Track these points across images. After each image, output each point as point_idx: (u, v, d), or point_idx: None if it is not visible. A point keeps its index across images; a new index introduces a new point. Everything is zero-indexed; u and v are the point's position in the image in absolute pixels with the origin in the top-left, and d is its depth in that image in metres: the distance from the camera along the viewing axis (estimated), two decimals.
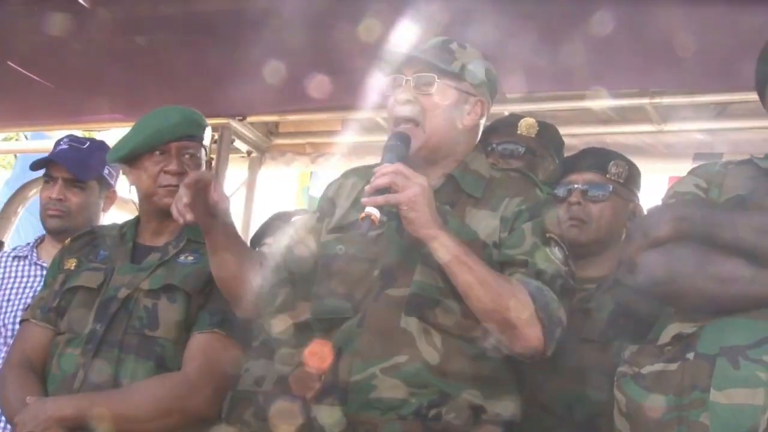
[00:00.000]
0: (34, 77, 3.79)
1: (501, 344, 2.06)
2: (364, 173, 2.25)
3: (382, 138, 2.36)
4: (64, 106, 4.16)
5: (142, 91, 3.70)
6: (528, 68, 3.17)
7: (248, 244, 2.84)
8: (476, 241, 2.11)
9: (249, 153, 4.49)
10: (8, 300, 3.10)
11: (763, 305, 1.84)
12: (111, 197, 3.23)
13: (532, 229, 2.12)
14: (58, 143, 3.19)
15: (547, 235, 2.13)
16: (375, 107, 3.08)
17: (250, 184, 4.53)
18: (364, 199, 2.04)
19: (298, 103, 3.92)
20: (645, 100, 3.62)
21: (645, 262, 1.97)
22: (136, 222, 2.67)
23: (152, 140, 2.55)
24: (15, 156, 10.62)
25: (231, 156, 4.35)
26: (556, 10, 2.87)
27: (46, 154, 3.23)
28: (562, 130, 3.01)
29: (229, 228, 2.24)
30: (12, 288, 3.13)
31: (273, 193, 5.02)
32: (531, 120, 2.85)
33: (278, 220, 3.06)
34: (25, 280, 3.14)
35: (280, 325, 2.62)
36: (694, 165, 2.42)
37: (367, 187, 2.06)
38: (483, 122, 2.30)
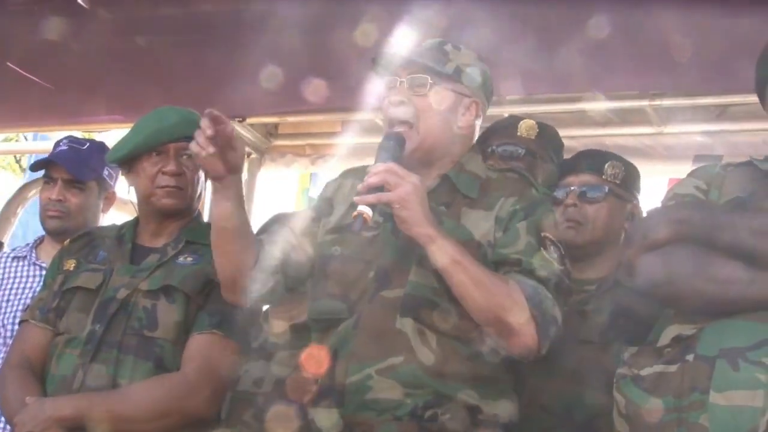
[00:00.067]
0: (34, 78, 3.78)
1: (497, 346, 2.06)
2: (363, 174, 2.25)
3: None
4: (63, 107, 4.16)
5: (142, 93, 3.69)
6: (527, 71, 3.17)
7: None
8: (471, 241, 2.11)
9: (248, 154, 4.48)
10: (8, 300, 3.11)
11: (762, 307, 1.84)
12: (110, 198, 3.23)
13: (526, 229, 2.12)
14: (57, 144, 3.19)
15: (542, 234, 2.13)
16: (375, 109, 3.08)
17: (250, 186, 4.52)
18: (356, 198, 2.05)
19: (297, 104, 3.91)
20: (645, 102, 3.61)
21: (644, 265, 1.97)
22: (135, 223, 2.67)
23: (150, 141, 2.55)
24: (15, 158, 10.65)
25: None
26: (555, 13, 2.87)
27: (46, 155, 3.23)
28: (562, 132, 3.02)
29: (239, 192, 2.23)
30: (11, 288, 3.14)
31: (273, 194, 5.01)
32: (531, 122, 2.85)
33: (278, 222, 3.06)
34: (24, 280, 3.14)
35: (277, 328, 2.63)
36: (694, 167, 2.42)
37: (359, 186, 2.06)
38: (478, 123, 2.30)
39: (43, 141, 5.25)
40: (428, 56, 2.22)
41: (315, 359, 2.13)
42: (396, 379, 2.04)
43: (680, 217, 1.98)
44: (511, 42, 2.79)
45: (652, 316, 2.10)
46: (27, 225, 4.95)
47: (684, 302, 1.93)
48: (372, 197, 2.02)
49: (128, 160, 2.60)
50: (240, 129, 4.32)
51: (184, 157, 2.57)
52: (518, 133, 2.82)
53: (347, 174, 2.38)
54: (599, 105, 3.67)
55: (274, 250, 2.24)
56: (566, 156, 2.92)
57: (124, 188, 2.83)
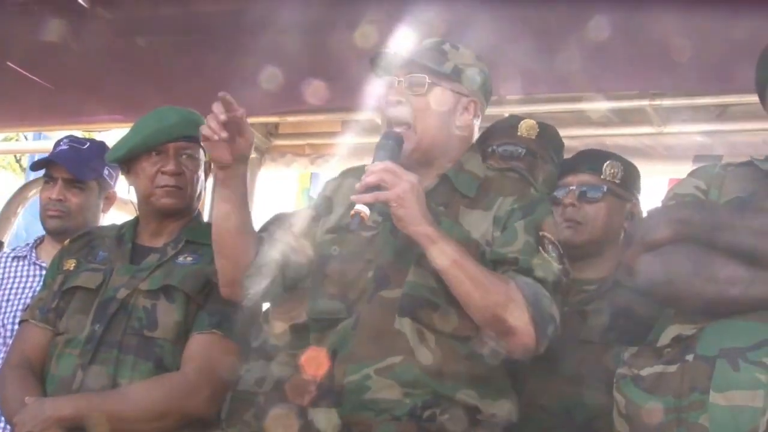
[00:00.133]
0: (34, 78, 3.79)
1: (497, 347, 2.06)
2: (362, 173, 2.25)
3: None
4: (63, 107, 4.16)
5: (142, 92, 3.69)
6: (528, 72, 3.17)
7: None
8: (469, 241, 2.11)
9: None
10: (8, 300, 3.10)
11: (762, 307, 1.84)
12: (111, 198, 3.23)
13: (524, 228, 2.12)
14: (57, 144, 3.19)
15: (541, 233, 2.12)
16: (374, 109, 3.09)
17: (250, 186, 4.50)
18: (353, 197, 2.05)
19: (297, 104, 3.91)
20: (645, 102, 3.62)
21: (644, 265, 1.97)
22: (135, 223, 2.67)
23: (149, 141, 2.55)
24: (16, 157, 10.65)
25: None
26: (556, 15, 2.88)
27: (47, 155, 3.23)
28: (562, 132, 3.01)
29: (243, 185, 2.24)
30: (11, 288, 3.13)
31: (273, 194, 5.01)
32: (531, 122, 2.85)
33: (279, 222, 3.06)
34: (24, 280, 3.14)
35: (277, 328, 2.63)
36: (694, 167, 2.42)
37: (357, 185, 2.06)
38: (477, 123, 2.30)
39: (44, 141, 5.24)
40: (426, 56, 2.22)
41: (314, 361, 2.14)
42: (394, 379, 2.04)
43: (680, 217, 1.98)
44: (511, 43, 2.79)
45: (652, 316, 2.10)
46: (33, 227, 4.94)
47: (684, 302, 1.93)
48: (369, 196, 2.02)
49: (128, 159, 2.60)
50: None
51: (184, 156, 2.57)
52: (519, 133, 2.81)
53: (347, 173, 2.37)
54: (599, 105, 3.67)
55: (273, 249, 2.24)
56: (566, 156, 2.92)
57: (124, 188, 2.83)
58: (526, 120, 2.85)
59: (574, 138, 3.52)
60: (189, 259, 2.54)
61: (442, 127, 2.21)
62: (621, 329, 2.37)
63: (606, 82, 3.44)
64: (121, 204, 3.25)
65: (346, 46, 2.91)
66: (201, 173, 2.62)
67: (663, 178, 3.87)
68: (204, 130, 2.17)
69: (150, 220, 2.62)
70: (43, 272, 2.97)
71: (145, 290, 2.48)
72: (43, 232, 3.26)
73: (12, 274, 3.17)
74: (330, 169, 4.29)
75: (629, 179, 2.70)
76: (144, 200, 2.60)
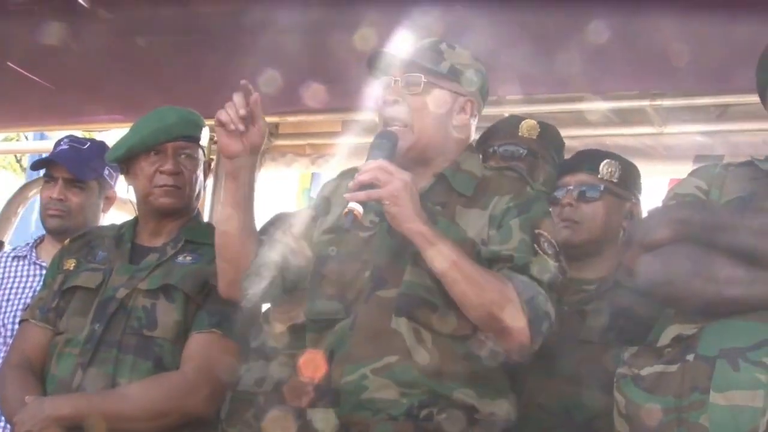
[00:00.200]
0: (34, 78, 3.79)
1: (494, 348, 2.05)
2: None
3: None
4: (64, 107, 4.16)
5: (142, 92, 3.69)
6: (529, 74, 3.17)
7: None
8: (465, 240, 2.11)
9: None
10: (8, 300, 3.11)
11: (763, 307, 1.84)
12: (111, 198, 3.23)
13: (520, 226, 2.12)
14: (58, 143, 3.20)
15: (536, 231, 2.12)
16: (372, 108, 3.09)
17: None
18: (346, 195, 2.05)
19: (298, 105, 3.91)
20: (645, 103, 3.61)
21: (644, 265, 1.97)
22: (134, 223, 2.68)
23: (148, 140, 2.55)
24: (16, 157, 10.65)
25: None
26: (557, 16, 2.87)
27: (47, 155, 3.23)
28: (563, 133, 3.02)
29: (251, 179, 2.23)
30: (12, 288, 3.14)
31: (273, 194, 5.01)
32: (532, 122, 2.85)
33: (279, 222, 3.06)
34: (24, 279, 3.14)
35: (277, 329, 2.62)
36: (695, 167, 2.41)
37: (350, 184, 2.06)
38: (474, 122, 2.30)
39: (44, 141, 5.24)
40: (423, 55, 2.22)
41: (312, 364, 2.13)
42: (391, 379, 2.04)
43: (680, 217, 1.98)
44: (512, 44, 2.79)
45: (652, 316, 2.10)
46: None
47: (684, 302, 1.93)
48: (362, 194, 2.02)
49: (127, 159, 2.60)
50: None
51: (182, 156, 2.57)
52: (520, 134, 2.82)
53: (345, 174, 2.37)
54: (600, 105, 3.66)
55: (272, 250, 2.24)
56: (566, 156, 2.92)
57: (124, 188, 2.84)
58: (527, 120, 2.85)
59: (574, 138, 3.52)
60: (188, 258, 2.55)
61: (438, 127, 2.21)
62: (621, 329, 2.37)
63: (606, 83, 3.44)
64: (121, 204, 3.25)
65: (347, 47, 2.90)
66: (200, 173, 2.62)
67: (663, 178, 3.86)
68: (221, 116, 2.17)
69: (149, 220, 2.62)
70: (44, 272, 2.97)
71: (144, 290, 2.48)
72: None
73: (12, 274, 3.17)
74: (331, 169, 4.29)
75: (628, 178, 2.70)
76: (143, 200, 2.60)
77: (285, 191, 5.52)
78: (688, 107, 3.62)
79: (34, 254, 3.20)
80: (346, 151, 4.02)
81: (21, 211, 4.64)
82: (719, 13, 2.67)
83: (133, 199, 2.65)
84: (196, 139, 2.62)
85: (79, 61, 3.56)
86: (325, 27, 3.06)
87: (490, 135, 2.90)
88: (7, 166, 11.34)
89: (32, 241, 3.30)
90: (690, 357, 1.86)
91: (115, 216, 3.28)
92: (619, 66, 3.20)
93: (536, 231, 2.12)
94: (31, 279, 3.14)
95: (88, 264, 2.62)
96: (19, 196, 4.61)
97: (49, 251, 3.06)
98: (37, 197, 3.54)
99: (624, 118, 3.80)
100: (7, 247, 3.72)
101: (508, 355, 2.08)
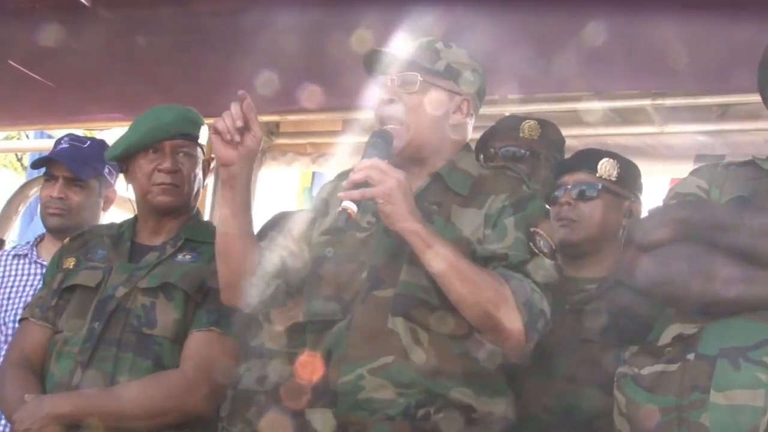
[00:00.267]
0: (35, 76, 3.79)
1: (492, 349, 2.06)
2: None
3: None
4: (64, 105, 4.16)
5: (142, 91, 3.70)
6: (530, 74, 3.17)
7: None
8: (460, 239, 2.10)
9: None
10: (8, 298, 3.10)
11: (763, 307, 1.84)
12: (111, 196, 3.23)
13: (515, 224, 2.11)
14: (58, 142, 3.19)
15: (531, 229, 2.11)
16: (369, 108, 3.09)
17: (251, 185, 4.52)
18: (340, 194, 2.05)
19: (298, 104, 3.91)
20: (646, 102, 3.61)
21: (644, 264, 1.97)
22: (134, 221, 2.67)
23: (146, 139, 2.55)
24: (17, 156, 10.65)
25: None
26: (558, 17, 2.87)
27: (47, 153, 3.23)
28: (563, 132, 3.02)
29: (247, 185, 2.23)
30: (12, 286, 3.13)
31: (274, 193, 5.01)
32: (533, 122, 2.85)
33: (280, 222, 3.06)
34: (25, 278, 3.14)
35: (276, 328, 2.62)
36: (696, 166, 2.41)
37: (344, 183, 2.06)
38: (470, 121, 2.29)
39: (45, 139, 5.25)
40: (419, 54, 2.22)
41: (309, 366, 2.14)
42: (388, 379, 2.04)
43: (681, 217, 1.98)
44: (513, 45, 2.79)
45: (652, 315, 2.10)
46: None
47: (684, 302, 1.93)
48: (356, 193, 2.01)
49: (125, 158, 2.60)
50: None
51: (181, 154, 2.57)
52: (521, 135, 2.82)
53: (343, 176, 2.36)
54: (601, 105, 3.67)
55: (274, 256, 2.24)
56: (567, 155, 2.92)
57: (124, 186, 2.84)
58: (527, 121, 2.86)
59: (575, 138, 3.52)
60: (188, 257, 2.55)
61: (434, 126, 2.21)
62: (621, 328, 2.36)
63: (608, 83, 3.44)
64: (121, 202, 3.25)
65: (347, 46, 2.90)
66: (198, 171, 2.62)
67: (664, 177, 3.86)
68: (218, 124, 2.16)
69: (148, 219, 2.62)
70: (44, 270, 2.97)
71: (143, 288, 2.48)
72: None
73: (13, 273, 3.17)
74: (331, 168, 4.30)
75: (627, 177, 2.69)
76: (141, 198, 2.60)
77: (286, 190, 5.52)
78: (689, 107, 3.63)
79: (34, 253, 3.20)
80: (347, 150, 4.02)
81: (22, 209, 4.65)
82: (720, 14, 2.67)
83: (133, 197, 2.65)
84: (194, 138, 2.62)
85: (79, 59, 3.57)
86: (326, 26, 3.06)
87: (490, 136, 2.90)
88: (7, 164, 11.34)
89: (33, 239, 3.30)
90: (690, 356, 1.86)
91: (115, 215, 3.28)
92: (620, 66, 3.20)
93: (532, 229, 2.11)
94: (31, 277, 3.13)
95: (88, 262, 2.61)
96: (19, 195, 4.62)
97: (49, 250, 3.06)
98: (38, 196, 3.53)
99: (625, 117, 3.80)
100: (7, 246, 3.73)
101: (506, 356, 2.08)
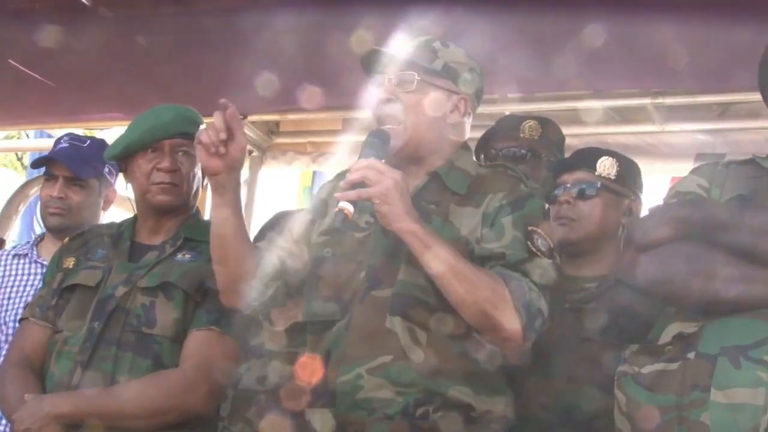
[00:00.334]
0: (35, 76, 3.79)
1: (493, 350, 2.05)
2: None
3: None
4: (64, 105, 4.17)
5: (142, 91, 3.69)
6: (530, 72, 3.17)
7: None
8: (458, 239, 2.10)
9: (250, 152, 4.48)
10: (9, 298, 3.10)
11: (763, 305, 1.84)
12: (111, 196, 3.23)
13: (512, 223, 2.11)
14: (58, 141, 3.19)
15: (529, 228, 2.11)
16: (366, 107, 3.10)
17: (251, 184, 4.52)
18: (337, 194, 2.05)
19: (298, 102, 3.91)
20: (647, 101, 3.61)
21: (644, 263, 1.97)
22: (133, 221, 2.67)
23: (145, 138, 2.55)
24: (17, 155, 10.65)
25: None
26: (559, 16, 2.87)
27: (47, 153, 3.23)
28: (564, 131, 3.02)
29: (236, 195, 2.23)
30: (13, 286, 3.13)
31: (274, 192, 5.01)
32: (533, 122, 2.85)
33: (282, 220, 3.06)
34: (25, 278, 3.14)
35: (276, 327, 2.62)
36: (696, 165, 2.41)
37: (341, 183, 2.07)
38: (468, 120, 2.29)
39: (45, 139, 5.25)
40: (416, 53, 2.22)
41: (308, 368, 2.14)
42: (386, 378, 2.04)
43: (681, 216, 1.98)
44: (514, 44, 2.79)
45: (652, 314, 2.09)
46: None
47: (684, 301, 1.93)
48: (353, 193, 2.02)
49: (124, 157, 2.60)
50: None
51: (180, 153, 2.57)
52: (521, 135, 2.82)
53: (341, 176, 2.36)
54: (601, 103, 3.67)
55: (274, 257, 2.24)
56: (567, 154, 2.92)
57: (124, 186, 2.83)
58: (528, 121, 2.86)
59: (575, 137, 3.52)
60: (187, 256, 2.55)
61: (432, 125, 2.21)
62: (621, 327, 2.36)
63: (608, 82, 3.44)
64: (121, 202, 3.25)
65: (347, 45, 2.90)
66: (198, 170, 2.62)
67: (665, 176, 3.86)
68: (202, 137, 2.16)
69: (147, 218, 2.62)
70: (44, 270, 2.97)
71: (143, 288, 2.48)
72: None
73: (13, 272, 3.17)
74: (331, 167, 4.30)
75: (626, 175, 2.69)
76: (141, 197, 2.60)
77: (286, 189, 5.52)
78: (689, 105, 3.63)
79: (34, 252, 3.20)
80: (347, 149, 4.02)
81: (22, 209, 4.65)
82: (720, 14, 2.67)
83: (132, 197, 2.65)
84: (193, 137, 2.61)
85: (79, 59, 3.57)
86: (326, 25, 3.06)
87: (491, 136, 2.90)
88: (8, 164, 11.35)
89: (33, 239, 3.29)
90: (691, 355, 1.86)
91: (116, 214, 3.28)
92: (620, 66, 3.20)
93: (529, 228, 2.11)
94: (32, 277, 3.13)
95: (88, 262, 2.62)
96: (20, 194, 4.62)
97: (49, 249, 3.06)
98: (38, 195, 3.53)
99: (625, 116, 3.80)
100: (7, 245, 3.73)
101: (505, 356, 2.08)
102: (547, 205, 2.41)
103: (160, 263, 2.53)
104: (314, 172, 5.25)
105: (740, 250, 1.88)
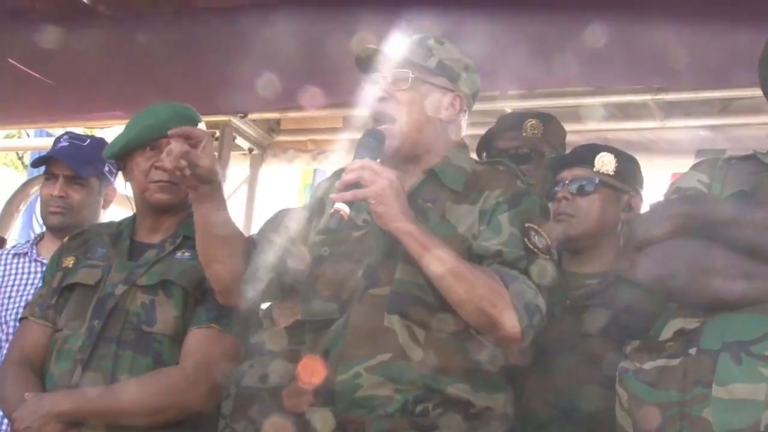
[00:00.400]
0: (35, 75, 3.79)
1: (494, 351, 2.05)
2: None
3: None
4: (64, 104, 4.17)
5: (142, 89, 3.70)
6: (532, 69, 3.17)
7: None
8: (455, 236, 2.10)
9: (250, 150, 4.49)
10: (9, 297, 3.10)
11: (765, 301, 1.83)
12: (111, 194, 3.23)
13: (509, 220, 2.11)
14: (58, 140, 3.19)
15: (526, 224, 2.11)
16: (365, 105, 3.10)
17: (252, 182, 4.53)
18: (333, 195, 2.05)
19: (299, 101, 3.92)
20: (647, 97, 3.61)
21: (645, 259, 1.97)
22: (133, 219, 2.68)
23: (143, 136, 2.56)
24: (17, 154, 10.66)
25: (232, 153, 4.36)
26: (560, 14, 2.87)
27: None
28: (564, 127, 3.02)
29: (218, 199, 2.22)
30: (13, 285, 3.13)
31: (275, 190, 5.02)
32: (535, 120, 2.86)
33: (281, 219, 3.06)
34: (25, 277, 3.14)
35: (277, 325, 2.62)
36: (697, 161, 2.41)
37: (336, 184, 2.06)
38: (464, 118, 2.29)
39: (46, 138, 5.25)
40: (411, 51, 2.22)
41: (310, 369, 2.13)
42: (385, 376, 2.04)
43: (682, 211, 1.98)
44: (515, 42, 2.80)
45: (654, 310, 2.09)
46: None
47: (685, 297, 1.93)
48: (348, 194, 2.01)
49: (123, 155, 2.60)
50: (242, 125, 4.33)
51: None
52: (524, 134, 2.82)
53: (338, 174, 2.36)
54: (602, 100, 3.67)
55: (268, 252, 2.24)
56: (569, 150, 2.92)
57: (123, 185, 2.84)
58: (529, 120, 2.86)
59: (576, 133, 3.52)
60: (187, 254, 2.54)
61: (428, 122, 2.20)
62: (623, 324, 2.36)
63: (609, 80, 3.44)
64: (121, 200, 3.25)
65: (347, 43, 2.91)
66: None
67: (665, 172, 3.87)
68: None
69: (146, 216, 2.62)
70: (44, 269, 2.97)
71: (142, 286, 2.48)
72: None
73: (13, 271, 3.17)
74: (332, 164, 4.30)
75: (626, 171, 2.68)
76: (139, 196, 2.61)
77: (287, 187, 5.53)
78: (690, 101, 3.63)
79: (34, 251, 3.20)
80: (348, 146, 4.02)
81: (22, 208, 4.65)
82: (721, 11, 2.67)
83: (131, 195, 2.65)
84: None
85: (79, 58, 3.57)
86: (326, 24, 3.06)
87: (493, 135, 2.90)
88: (8, 163, 11.36)
89: (33, 238, 3.29)
90: (692, 351, 1.85)
91: (116, 213, 3.28)
92: (621, 64, 3.20)
93: (526, 225, 2.11)
94: (32, 276, 3.13)
95: (87, 261, 2.62)
96: (20, 193, 4.63)
97: (49, 248, 3.06)
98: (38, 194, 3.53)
99: (626, 112, 3.80)
100: (8, 244, 3.73)
101: (505, 356, 2.07)
102: (549, 203, 2.41)
103: (159, 261, 2.53)
104: (315, 170, 5.25)
105: (741, 246, 1.87)
